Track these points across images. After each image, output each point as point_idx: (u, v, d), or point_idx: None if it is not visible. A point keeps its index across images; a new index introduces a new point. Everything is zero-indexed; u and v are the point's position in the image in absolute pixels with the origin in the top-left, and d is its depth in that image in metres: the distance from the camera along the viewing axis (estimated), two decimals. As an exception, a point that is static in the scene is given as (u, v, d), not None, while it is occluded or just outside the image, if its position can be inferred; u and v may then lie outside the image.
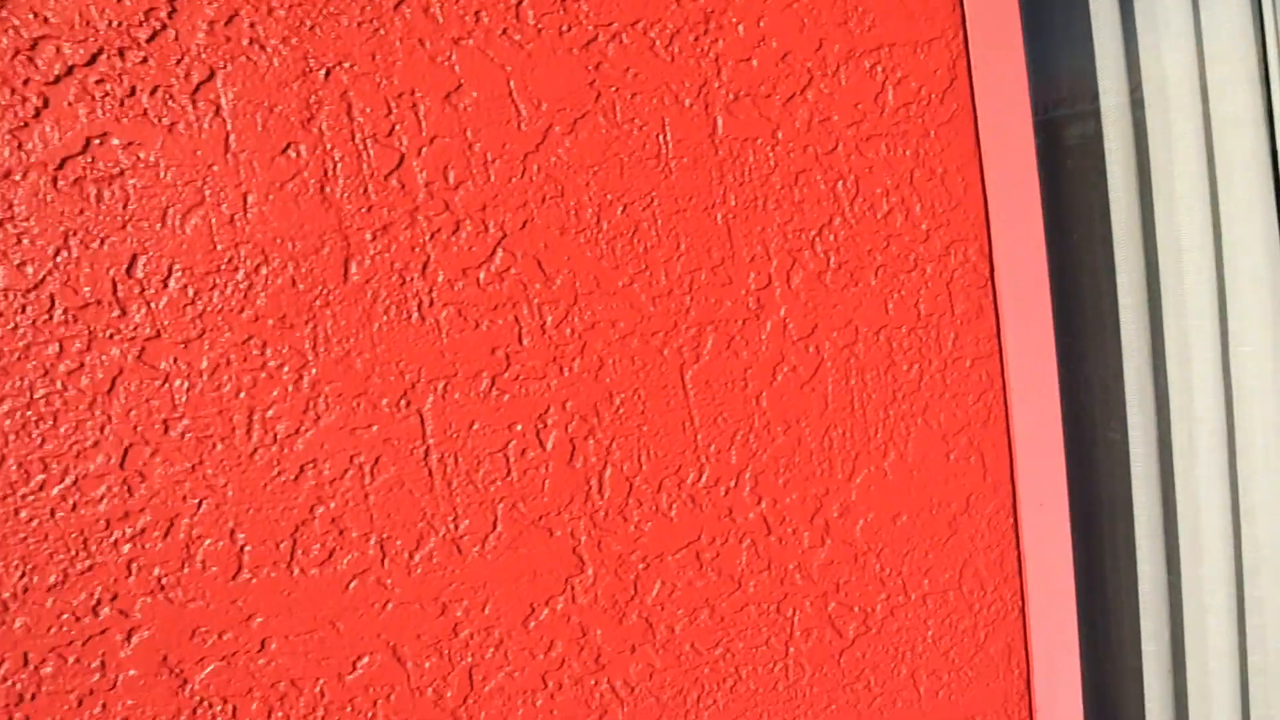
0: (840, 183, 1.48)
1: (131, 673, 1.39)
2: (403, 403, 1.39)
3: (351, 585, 1.41)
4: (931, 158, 1.51)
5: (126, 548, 1.37)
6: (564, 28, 1.39)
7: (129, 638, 1.38)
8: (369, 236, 1.36)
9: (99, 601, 1.37)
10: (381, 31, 1.35)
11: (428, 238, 1.37)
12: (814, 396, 1.50)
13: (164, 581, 1.38)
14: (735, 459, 1.49)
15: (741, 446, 1.49)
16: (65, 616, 1.37)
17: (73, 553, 1.36)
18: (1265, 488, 1.81)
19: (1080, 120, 1.75)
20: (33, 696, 1.37)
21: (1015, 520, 1.61)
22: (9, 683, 1.36)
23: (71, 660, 1.37)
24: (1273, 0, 1.70)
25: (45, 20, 1.30)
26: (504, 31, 1.38)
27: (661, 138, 1.41)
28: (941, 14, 1.49)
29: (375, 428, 1.39)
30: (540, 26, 1.38)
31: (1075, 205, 1.80)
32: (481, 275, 1.39)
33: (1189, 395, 1.82)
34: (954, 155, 1.52)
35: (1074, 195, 1.80)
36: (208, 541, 1.38)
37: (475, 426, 1.40)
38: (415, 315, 1.38)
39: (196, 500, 1.37)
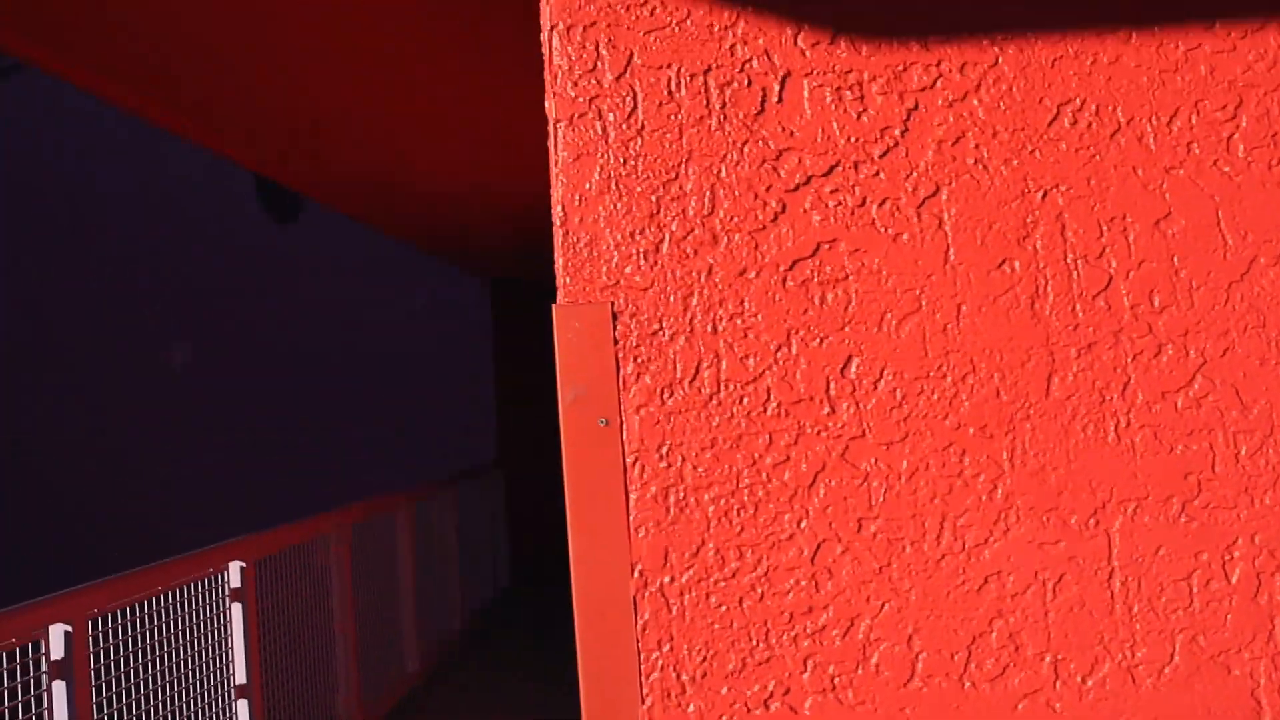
0: None
1: (792, 771, 1.39)
2: (1091, 522, 1.39)
3: (1020, 705, 1.39)
4: None
5: (805, 643, 1.39)
6: (1273, 162, 1.41)
7: (794, 734, 1.40)
8: (1073, 353, 1.39)
9: (771, 694, 1.40)
10: (1097, 158, 1.41)
11: (1130, 359, 1.39)
12: None
13: (836, 681, 1.39)
14: None
15: None
16: (736, 705, 1.40)
17: (754, 643, 1.39)
18: None
19: None
20: (699, 784, 1.39)
21: None
22: (675, 766, 1.39)
23: (734, 751, 1.39)
24: None
25: (791, 134, 1.41)
26: (1215, 163, 1.41)
27: (1365, 273, 1.41)
28: None
29: (1062, 544, 1.39)
30: (1250, 160, 1.41)
31: None
32: (1179, 400, 1.39)
33: None
34: None
35: None
36: (884, 645, 1.39)
37: (1161, 552, 1.39)
38: (1111, 435, 1.39)
39: (880, 602, 1.39)
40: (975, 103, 1.41)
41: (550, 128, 1.42)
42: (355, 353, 8.64)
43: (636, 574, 1.39)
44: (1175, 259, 1.41)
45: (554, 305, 1.41)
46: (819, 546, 1.39)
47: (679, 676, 1.39)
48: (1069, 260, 1.40)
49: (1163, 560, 1.39)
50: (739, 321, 1.40)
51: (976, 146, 1.41)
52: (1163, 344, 1.40)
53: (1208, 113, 1.42)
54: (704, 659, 1.39)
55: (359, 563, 4.75)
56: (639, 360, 1.40)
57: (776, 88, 1.41)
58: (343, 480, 8.25)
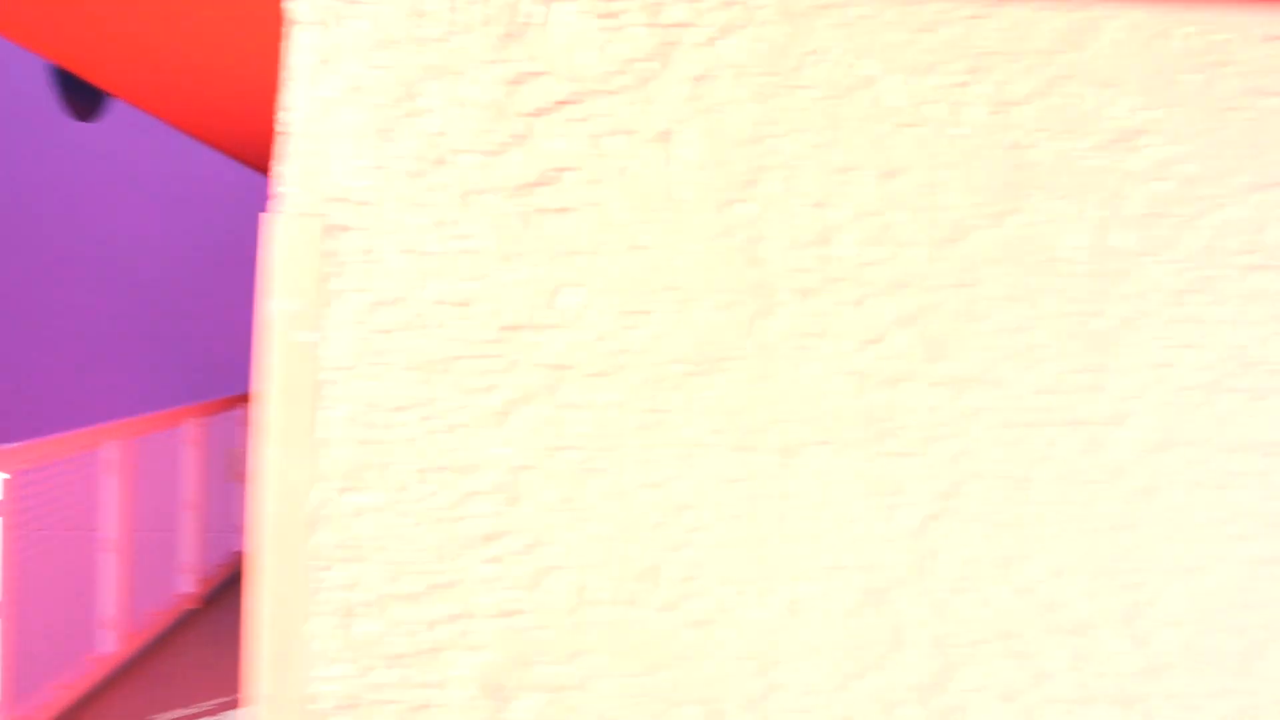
0: (1218, 307, 1.74)
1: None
2: (782, 461, 1.65)
3: (692, 633, 1.66)
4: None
5: (490, 567, 1.62)
6: (999, 129, 1.67)
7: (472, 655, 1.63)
8: (786, 298, 1.64)
9: (450, 617, 1.62)
10: (835, 109, 1.64)
11: (839, 307, 1.65)
12: (1153, 507, 1.76)
13: (515, 604, 1.63)
14: (1069, 558, 1.74)
15: (1077, 546, 1.74)
16: (414, 626, 1.62)
17: (438, 564, 1.62)
18: None
19: None
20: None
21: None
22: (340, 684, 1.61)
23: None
24: None
25: (541, 59, 1.59)
26: (945, 126, 1.66)
27: (1066, 243, 1.69)
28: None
29: (751, 481, 1.65)
30: (979, 127, 1.67)
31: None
32: (881, 349, 1.66)
33: None
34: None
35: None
36: (566, 571, 1.63)
37: (842, 491, 1.66)
38: (811, 378, 1.64)
39: (566, 530, 1.63)
40: (728, 43, 1.62)
41: (290, 29, 1.56)
42: (147, 260, 8.55)
43: (322, 491, 1.59)
44: (896, 214, 1.65)
45: (269, 215, 1.57)
46: (514, 473, 1.61)
47: (356, 596, 1.60)
48: (794, 206, 1.63)
49: (841, 499, 1.66)
50: (459, 243, 1.58)
51: (722, 87, 1.62)
52: (872, 295, 1.65)
53: (947, 75, 1.66)
54: (386, 579, 1.61)
55: (136, 484, 4.81)
56: (350, 276, 1.57)
57: (533, 9, 1.59)
58: (131, 395, 8.24)
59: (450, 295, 1.59)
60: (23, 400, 8.67)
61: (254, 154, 6.78)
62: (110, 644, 4.52)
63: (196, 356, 8.42)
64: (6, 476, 3.72)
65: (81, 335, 8.54)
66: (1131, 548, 1.77)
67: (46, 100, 8.57)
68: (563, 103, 1.60)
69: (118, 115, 8.51)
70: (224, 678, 4.73)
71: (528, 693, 1.64)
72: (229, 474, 5.97)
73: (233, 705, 4.24)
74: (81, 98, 8.20)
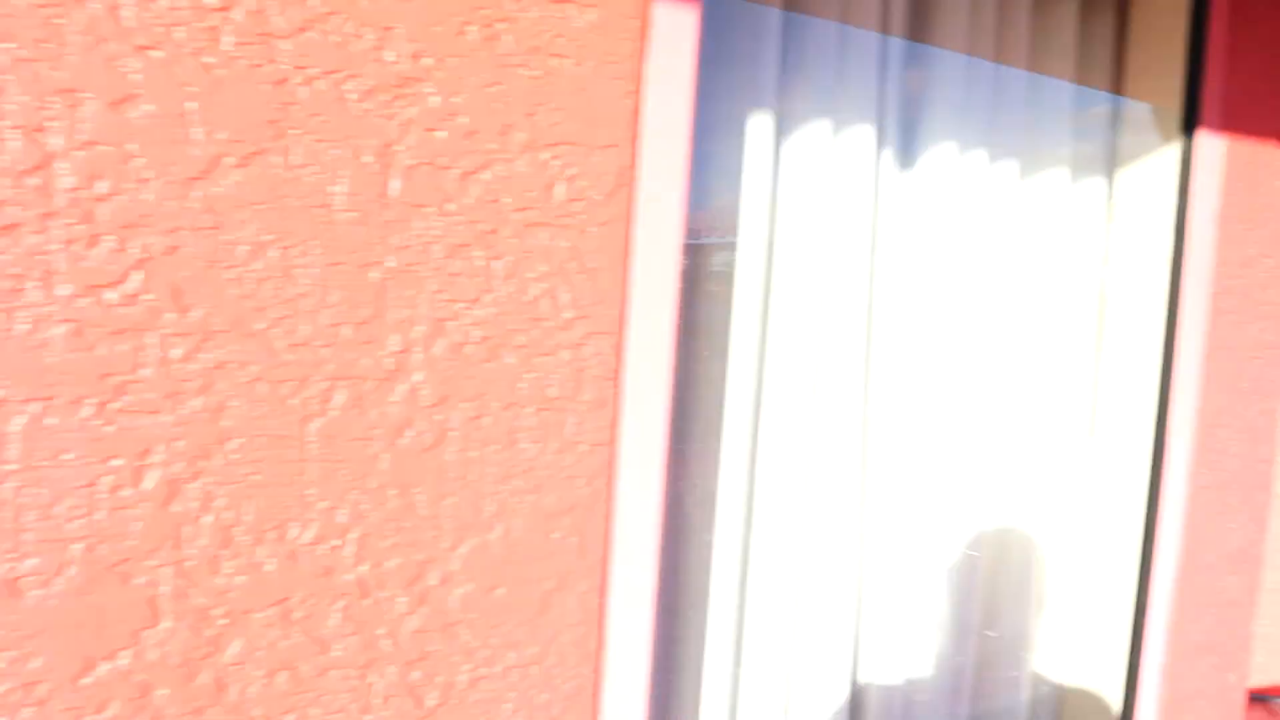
0: (497, 262, 1.74)
1: None
2: (-11, 420, 1.44)
3: (-115, 614, 1.43)
4: (586, 254, 1.82)
5: None
6: (258, 63, 1.53)
7: None
8: (-16, 231, 1.41)
9: None
10: (57, 21, 1.41)
11: (59, 247, 1.45)
12: (434, 464, 1.75)
13: None
14: (344, 518, 1.69)
15: (353, 506, 1.69)
16: None
17: None
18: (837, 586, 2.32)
19: (721, 250, 2.16)
20: None
21: (603, 603, 1.95)
22: None
23: None
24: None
25: None
26: (196, 52, 1.49)
27: (334, 189, 1.59)
28: (620, 125, 1.81)
29: (-51, 442, 1.43)
30: (235, 56, 1.51)
31: (705, 323, 2.21)
32: (111, 295, 1.48)
33: (777, 508, 2.29)
34: (607, 255, 1.84)
35: (706, 314, 2.21)
36: None
37: (66, 456, 1.49)
38: (25, 327, 1.44)
39: None
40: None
41: None
42: None
43: None
44: (131, 145, 1.47)
45: None
46: None
47: None
48: (1, 129, 1.40)
49: (67, 465, 1.49)
50: None
51: (-118, -31, 1.34)
52: (102, 235, 1.47)
53: (198, -8, 1.49)
54: None
55: None
56: None
57: None
58: None
59: None
60: None
61: None
62: None
63: None
64: None
65: None
66: (411, 507, 1.74)
67: None
68: None
69: None
70: None
71: None
72: None
73: None
74: None
